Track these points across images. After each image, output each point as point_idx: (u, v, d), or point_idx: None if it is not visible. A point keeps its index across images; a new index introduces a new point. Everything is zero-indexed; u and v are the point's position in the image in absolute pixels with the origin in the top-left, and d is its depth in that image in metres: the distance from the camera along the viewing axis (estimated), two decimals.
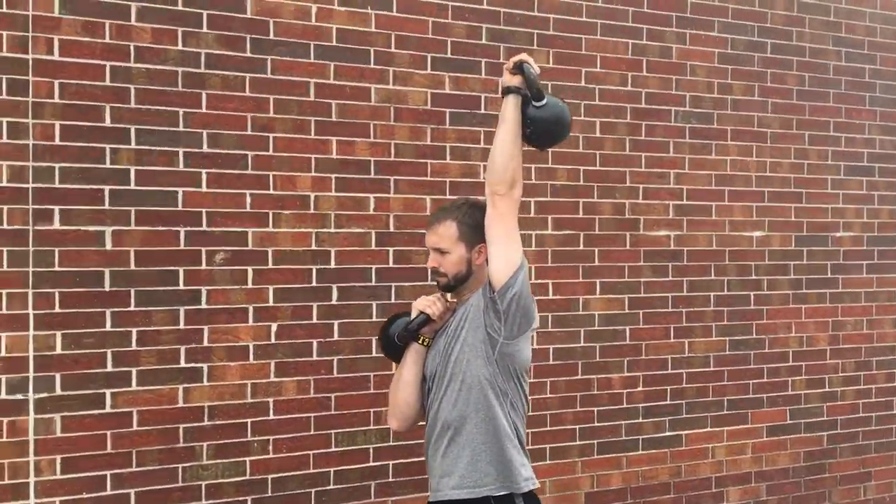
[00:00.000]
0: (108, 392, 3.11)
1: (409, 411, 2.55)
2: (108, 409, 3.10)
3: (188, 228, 3.24)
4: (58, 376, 3.04)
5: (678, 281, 4.16)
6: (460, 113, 3.71)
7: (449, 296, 2.59)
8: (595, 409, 3.99)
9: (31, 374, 3.00)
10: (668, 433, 4.13)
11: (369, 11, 3.53)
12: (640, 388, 4.07)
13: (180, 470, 3.21)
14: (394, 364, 2.68)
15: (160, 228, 3.20)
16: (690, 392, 4.18)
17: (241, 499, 3.31)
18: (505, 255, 2.37)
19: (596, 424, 3.99)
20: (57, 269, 3.04)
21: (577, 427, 3.94)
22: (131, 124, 3.14)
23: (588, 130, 3.97)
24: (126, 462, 3.13)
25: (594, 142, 3.99)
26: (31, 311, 3.00)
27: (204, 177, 3.27)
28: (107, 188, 3.11)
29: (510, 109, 2.38)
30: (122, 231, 3.14)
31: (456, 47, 3.70)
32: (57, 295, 3.04)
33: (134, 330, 3.15)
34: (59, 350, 3.04)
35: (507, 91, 2.38)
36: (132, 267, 3.15)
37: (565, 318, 3.91)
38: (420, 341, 2.51)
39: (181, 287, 3.23)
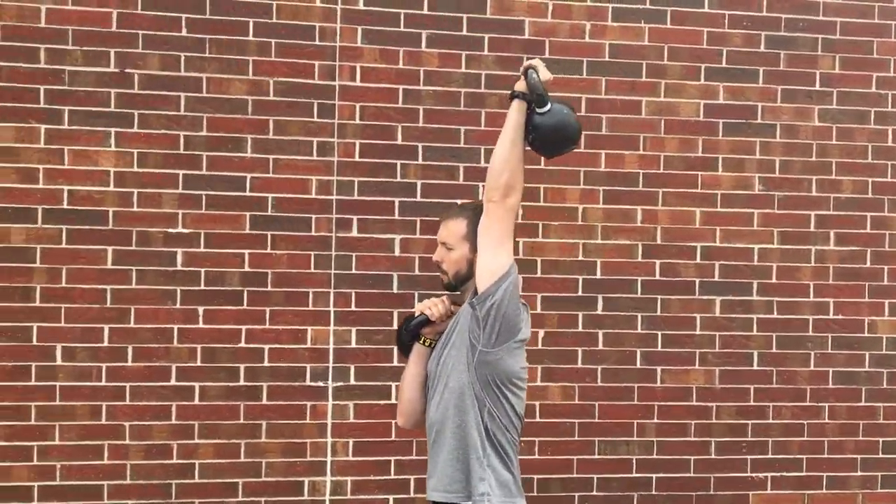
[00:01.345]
0: (393, 385, 3.42)
1: (413, 408, 2.53)
2: (393, 401, 3.42)
3: None
4: (352, 368, 3.40)
5: None
6: (734, 123, 3.63)
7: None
8: (880, 439, 3.69)
9: (330, 365, 3.39)
10: None
11: (643, 25, 3.57)
12: None
13: None
14: None
15: None
16: None
17: None
18: (490, 263, 2.32)
19: (881, 456, 3.69)
20: (354, 271, 3.41)
21: (858, 457, 3.67)
22: (419, 142, 3.44)
23: (878, 139, 3.69)
24: (407, 450, 3.43)
25: (886, 151, 3.70)
26: (332, 308, 3.39)
27: (480, 189, 3.49)
28: (397, 200, 3.44)
29: (511, 114, 2.32)
30: (409, 239, 3.44)
31: (731, 56, 3.62)
32: (353, 295, 3.41)
33: None
34: (353, 344, 3.41)
35: (512, 96, 2.33)
36: (416, 272, 3.45)
37: (847, 339, 3.66)
38: (422, 341, 2.50)
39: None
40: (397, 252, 3.44)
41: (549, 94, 2.31)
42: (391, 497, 3.42)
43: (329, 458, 3.38)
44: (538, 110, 2.25)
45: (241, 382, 3.32)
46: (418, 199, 3.45)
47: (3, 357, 3.17)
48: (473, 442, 2.33)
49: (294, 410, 3.36)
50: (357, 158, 3.41)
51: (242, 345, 3.33)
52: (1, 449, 3.17)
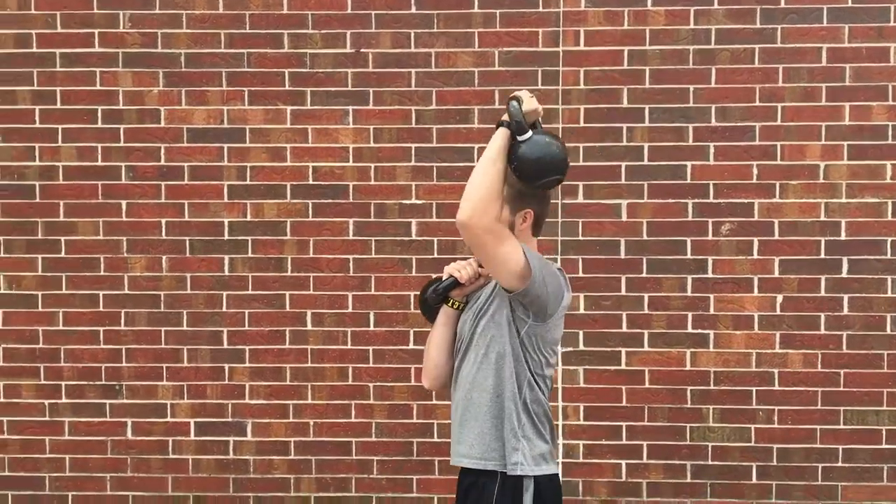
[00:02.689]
0: (623, 350, 3.41)
1: (439, 371, 2.45)
2: (623, 367, 3.41)
3: (696, 200, 3.38)
4: (580, 333, 3.42)
5: None
6: None
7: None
8: None
9: None
10: None
11: None
12: None
13: (688, 429, 3.40)
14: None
15: (669, 201, 3.39)
16: None
17: (745, 464, 3.40)
18: (509, 270, 2.20)
19: None
20: (580, 238, 3.41)
21: None
22: (645, 104, 3.37)
23: None
24: (639, 416, 3.41)
25: None
26: None
27: (711, 150, 3.38)
28: (623, 164, 3.39)
29: (494, 138, 2.24)
30: (636, 203, 3.40)
31: None
32: (580, 261, 3.41)
33: (646, 295, 3.40)
34: (581, 310, 3.42)
35: (497, 124, 2.25)
36: (644, 237, 3.40)
37: None
38: (451, 304, 2.42)
39: (689, 256, 3.39)
40: (624, 217, 3.40)
41: (542, 126, 2.30)
42: (623, 462, 3.42)
43: (560, 422, 3.43)
44: (518, 138, 2.23)
45: None
46: (645, 162, 3.39)
47: (262, 322, 3.46)
48: (510, 412, 2.32)
49: None
50: (582, 124, 3.39)
51: None
52: (261, 407, 3.48)
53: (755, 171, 3.37)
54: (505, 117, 2.28)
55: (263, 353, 3.47)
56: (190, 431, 3.49)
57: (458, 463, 2.42)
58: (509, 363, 2.32)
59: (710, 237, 3.39)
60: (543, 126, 2.31)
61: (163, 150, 3.45)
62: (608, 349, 3.42)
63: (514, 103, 2.24)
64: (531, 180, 2.26)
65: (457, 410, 2.42)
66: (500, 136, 2.26)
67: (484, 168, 2.24)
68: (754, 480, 3.41)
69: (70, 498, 3.50)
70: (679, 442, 3.41)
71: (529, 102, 2.26)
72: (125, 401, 3.49)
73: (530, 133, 2.21)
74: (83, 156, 3.45)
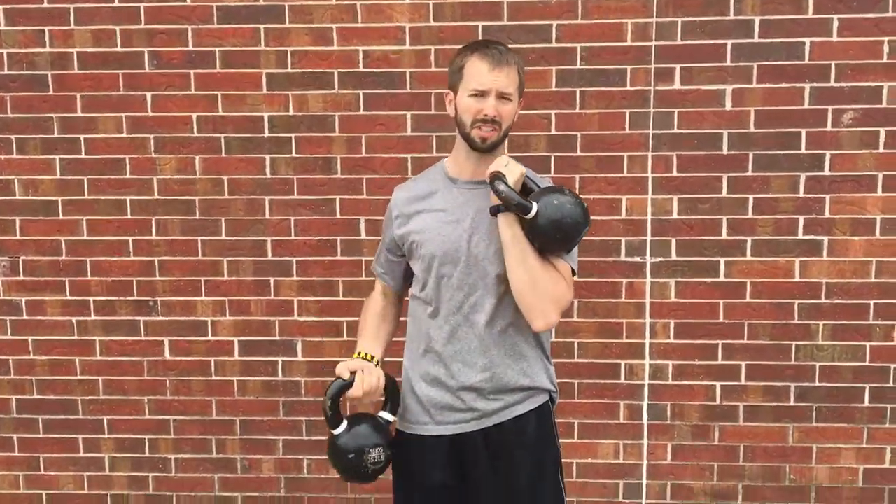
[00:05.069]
0: (721, 260, 2.99)
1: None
2: (721, 278, 3.00)
3: (814, 84, 2.88)
4: (673, 241, 3.00)
5: None
6: None
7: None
8: None
9: (648, 238, 3.00)
10: None
11: None
12: None
13: (793, 347, 3.01)
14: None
15: (783, 85, 2.89)
16: None
17: (857, 385, 3.01)
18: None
19: None
20: (675, 130, 2.94)
21: None
22: None
23: None
24: (737, 333, 3.01)
25: None
26: (650, 174, 2.97)
27: (835, 23, 2.85)
28: (729, 42, 2.88)
29: (503, 233, 1.95)
30: (743, 89, 2.90)
31: None
32: (674, 158, 2.95)
33: (751, 197, 2.95)
34: (675, 215, 2.98)
35: (493, 213, 1.96)
36: (751, 129, 2.92)
37: None
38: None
39: (802, 151, 2.92)
40: (728, 105, 2.91)
41: (531, 180, 1.99)
42: (718, 384, 3.05)
43: (647, 340, 3.05)
44: (525, 217, 1.91)
45: None
46: (755, 39, 2.87)
47: (309, 231, 3.07)
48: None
49: (608, 288, 3.03)
50: None
51: None
52: (311, 324, 3.12)
53: (886, 48, 2.85)
54: (493, 202, 1.95)
55: (312, 266, 3.09)
56: (234, 351, 3.16)
57: (484, 408, 2.10)
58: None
59: (829, 128, 2.90)
60: None
61: (190, 33, 2.98)
62: (704, 259, 2.99)
63: (500, 185, 1.89)
64: (563, 247, 1.97)
65: (444, 332, 2.11)
66: (508, 226, 1.94)
67: (523, 272, 1.94)
68: (866, 403, 3.03)
69: (105, 422, 3.21)
70: (782, 362, 3.02)
71: (512, 172, 1.91)
72: (161, 318, 3.15)
73: (535, 206, 1.89)
74: (100, 40, 3.00)
